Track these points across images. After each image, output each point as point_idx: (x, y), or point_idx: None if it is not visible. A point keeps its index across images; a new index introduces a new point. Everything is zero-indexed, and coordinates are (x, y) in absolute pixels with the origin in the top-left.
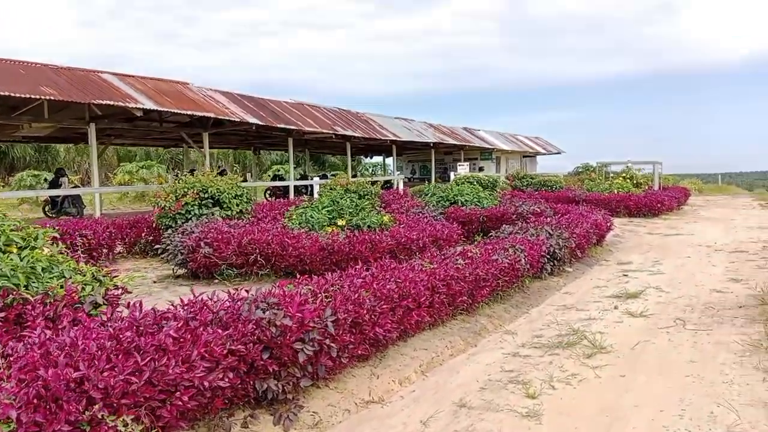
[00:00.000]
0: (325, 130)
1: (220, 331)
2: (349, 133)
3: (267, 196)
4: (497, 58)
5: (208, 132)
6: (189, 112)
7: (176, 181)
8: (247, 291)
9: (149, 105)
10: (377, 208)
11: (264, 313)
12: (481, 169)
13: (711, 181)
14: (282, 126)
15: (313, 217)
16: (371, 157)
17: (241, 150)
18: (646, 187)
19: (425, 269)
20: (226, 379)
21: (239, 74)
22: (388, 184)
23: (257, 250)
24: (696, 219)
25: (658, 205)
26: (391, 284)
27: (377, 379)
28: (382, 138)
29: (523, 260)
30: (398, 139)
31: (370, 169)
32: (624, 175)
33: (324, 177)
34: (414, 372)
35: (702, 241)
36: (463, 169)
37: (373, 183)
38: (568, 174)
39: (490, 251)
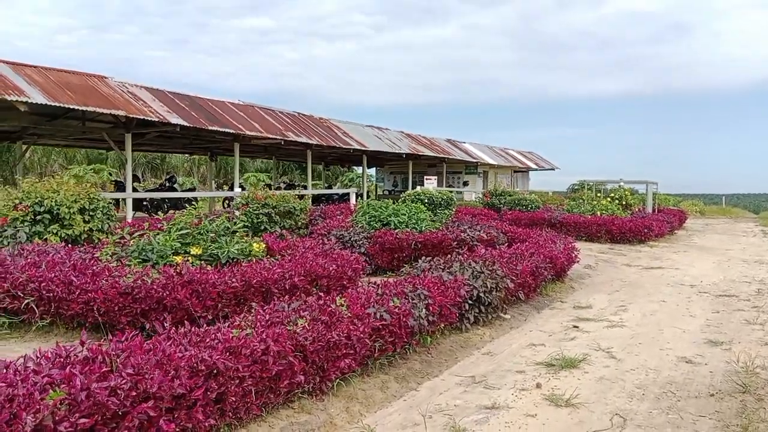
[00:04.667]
0: (272, 136)
1: None
2: (302, 140)
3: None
4: (507, 73)
5: (131, 133)
6: (90, 108)
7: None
8: None
9: (39, 99)
10: (291, 227)
11: None
12: (465, 184)
13: (715, 202)
14: (216, 129)
15: (151, 245)
16: (356, 168)
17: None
18: (637, 209)
19: (232, 338)
20: None
21: (249, 81)
22: (346, 197)
23: (36, 292)
24: (687, 248)
25: (645, 230)
26: (119, 379)
27: None
28: (344, 146)
29: (422, 310)
30: (365, 148)
31: (355, 180)
32: (612, 195)
33: (242, 188)
34: None
35: (686, 278)
36: (430, 183)
37: (301, 197)
38: (564, 192)
39: (365, 303)
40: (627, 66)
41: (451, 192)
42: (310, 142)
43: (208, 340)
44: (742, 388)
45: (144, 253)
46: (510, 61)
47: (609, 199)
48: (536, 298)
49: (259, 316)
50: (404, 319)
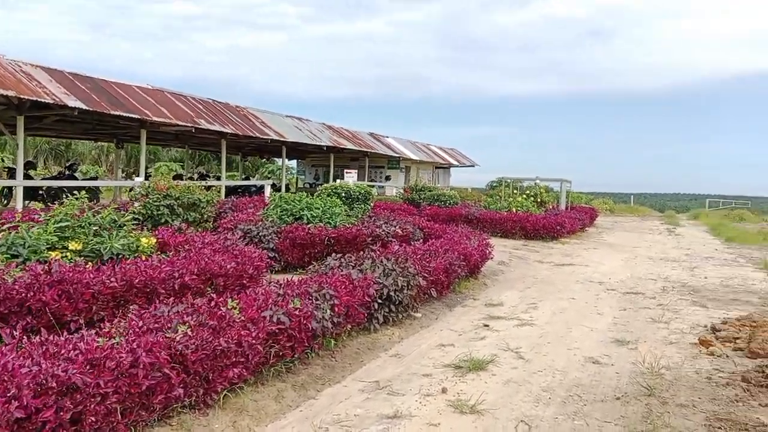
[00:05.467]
0: (182, 123)
1: None
2: (215, 128)
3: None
4: (432, 70)
5: (23, 116)
6: None
7: None
8: None
9: None
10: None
11: None
12: (388, 178)
13: (624, 201)
14: (120, 114)
15: (23, 239)
16: (276, 160)
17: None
18: (551, 207)
19: (96, 348)
20: None
21: (171, 68)
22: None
23: None
24: (597, 245)
25: (558, 227)
26: None
27: None
28: (262, 137)
29: (327, 312)
30: (283, 139)
31: (276, 172)
32: (528, 192)
33: (147, 177)
34: None
35: (595, 275)
36: (350, 176)
37: (208, 188)
38: (483, 188)
39: (262, 305)
40: (547, 69)
41: (372, 186)
42: (224, 130)
43: (64, 351)
44: (648, 390)
45: (14, 248)
46: (436, 58)
47: (524, 196)
48: (449, 296)
49: (133, 322)
50: (305, 322)
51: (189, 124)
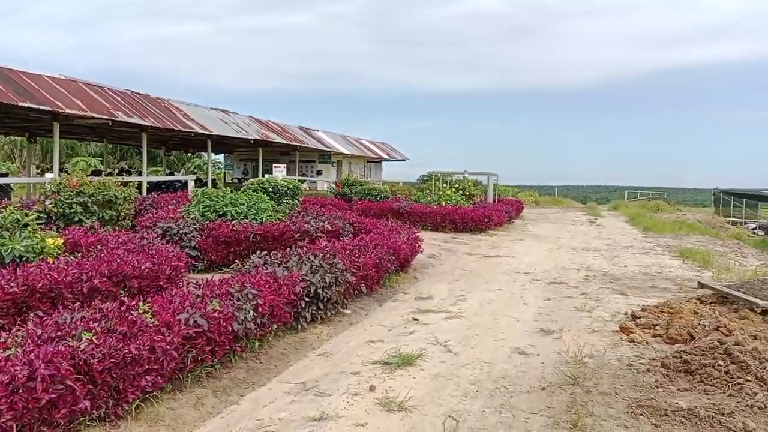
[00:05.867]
0: (97, 115)
1: None
2: (134, 120)
3: None
4: (363, 64)
5: None
6: None
7: None
8: None
9: None
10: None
11: None
12: (319, 173)
13: (549, 193)
14: (29, 105)
15: None
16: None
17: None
18: (479, 200)
19: None
20: None
21: (89, 59)
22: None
23: None
24: (523, 236)
25: (486, 220)
26: None
27: None
28: (185, 130)
29: (250, 312)
30: (208, 132)
31: (203, 167)
32: (456, 186)
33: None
34: None
35: (521, 266)
36: (279, 171)
37: (125, 184)
38: (414, 182)
39: (177, 307)
40: (476, 63)
41: (303, 181)
42: (144, 123)
43: None
44: (572, 379)
45: None
46: (368, 52)
47: (454, 189)
48: (380, 291)
49: (31, 331)
50: (225, 324)
51: (105, 117)
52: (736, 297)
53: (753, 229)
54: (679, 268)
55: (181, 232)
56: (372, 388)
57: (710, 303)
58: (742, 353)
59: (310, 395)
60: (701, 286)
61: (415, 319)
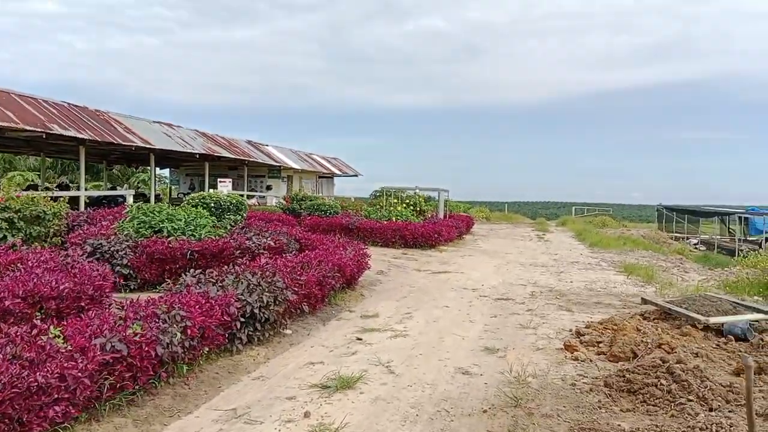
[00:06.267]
0: (30, 128)
1: None
2: (71, 133)
3: None
4: (316, 80)
5: None
6: None
7: None
8: None
9: None
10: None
11: None
12: (269, 188)
13: (499, 209)
14: None
15: None
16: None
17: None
18: (430, 215)
19: None
20: None
21: (33, 72)
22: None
23: None
24: (473, 252)
25: (436, 235)
26: None
27: None
28: (125, 143)
29: (177, 335)
30: (150, 146)
31: (149, 182)
32: (408, 201)
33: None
34: None
35: (469, 282)
36: (224, 186)
37: (56, 198)
38: (367, 198)
39: (95, 331)
40: (428, 81)
41: (252, 196)
42: (81, 136)
43: None
44: (514, 401)
45: None
46: (319, 69)
47: (404, 205)
48: (324, 309)
49: None
50: (148, 349)
51: (39, 129)
52: (679, 313)
53: (695, 244)
54: (624, 283)
55: (112, 249)
56: (307, 415)
57: (653, 319)
58: (684, 372)
59: (240, 423)
60: (644, 302)
61: (359, 339)
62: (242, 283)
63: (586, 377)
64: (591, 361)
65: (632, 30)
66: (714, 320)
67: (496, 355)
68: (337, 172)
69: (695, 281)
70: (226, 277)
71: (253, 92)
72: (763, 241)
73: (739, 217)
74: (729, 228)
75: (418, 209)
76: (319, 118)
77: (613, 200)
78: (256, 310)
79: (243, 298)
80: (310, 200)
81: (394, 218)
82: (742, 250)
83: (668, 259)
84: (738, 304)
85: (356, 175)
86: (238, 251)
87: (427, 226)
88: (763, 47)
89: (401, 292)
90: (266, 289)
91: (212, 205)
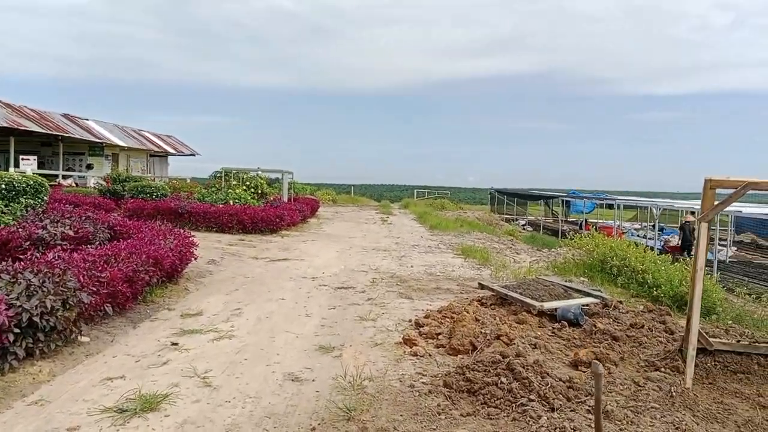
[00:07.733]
0: None
1: None
2: None
3: None
4: (158, 54)
5: None
6: None
7: None
8: None
9: None
10: None
11: None
12: (90, 167)
13: (346, 192)
14: None
15: None
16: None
17: None
18: (273, 198)
19: None
20: None
21: None
22: None
23: None
24: (316, 237)
25: (278, 220)
26: None
27: None
28: None
29: None
30: None
31: None
32: (248, 183)
33: None
34: None
35: (309, 269)
36: (28, 164)
37: None
38: (206, 179)
39: None
40: (277, 62)
41: (70, 176)
42: None
43: None
44: (346, 413)
45: None
46: (161, 42)
47: (244, 188)
48: (137, 309)
49: None
50: None
51: None
52: (514, 299)
53: (523, 225)
54: (461, 267)
55: None
56: None
57: (491, 305)
58: (524, 368)
59: None
60: (482, 287)
61: (174, 344)
62: (20, 284)
63: (425, 376)
64: (430, 355)
65: (473, 23)
66: (548, 305)
67: (331, 355)
68: (172, 150)
69: (527, 263)
70: (0, 276)
71: (83, 63)
72: (584, 222)
73: (562, 200)
74: (552, 210)
75: (259, 192)
76: (161, 95)
77: (451, 183)
78: (36, 318)
79: (18, 303)
80: (135, 181)
81: (231, 201)
82: (564, 230)
83: (501, 241)
84: (569, 287)
85: (193, 155)
86: (28, 242)
87: (268, 210)
88: (587, 44)
89: (233, 284)
90: (52, 291)
91: (2, 186)
